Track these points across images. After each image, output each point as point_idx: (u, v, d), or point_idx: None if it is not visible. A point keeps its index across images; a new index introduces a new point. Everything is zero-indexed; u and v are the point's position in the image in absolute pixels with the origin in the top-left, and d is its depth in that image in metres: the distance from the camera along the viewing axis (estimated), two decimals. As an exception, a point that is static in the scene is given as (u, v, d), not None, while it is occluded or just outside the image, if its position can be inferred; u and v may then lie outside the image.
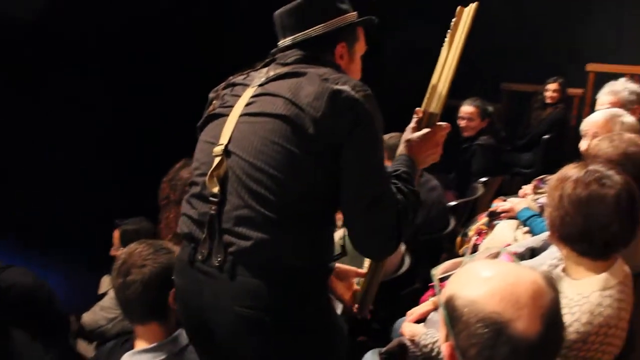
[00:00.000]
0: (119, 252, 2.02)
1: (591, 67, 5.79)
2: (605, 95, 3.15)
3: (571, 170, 1.58)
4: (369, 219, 1.43)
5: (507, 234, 2.80)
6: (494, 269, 1.02)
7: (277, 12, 1.61)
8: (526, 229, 2.79)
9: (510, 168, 5.29)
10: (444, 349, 1.04)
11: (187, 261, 1.52)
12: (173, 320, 1.78)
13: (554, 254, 1.84)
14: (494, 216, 3.03)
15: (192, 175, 1.60)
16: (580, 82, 5.84)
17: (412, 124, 1.67)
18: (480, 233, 2.96)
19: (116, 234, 2.92)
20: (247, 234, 1.41)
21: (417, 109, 1.69)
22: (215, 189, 1.46)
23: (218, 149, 1.49)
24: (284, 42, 1.61)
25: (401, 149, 1.64)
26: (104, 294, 2.82)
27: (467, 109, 4.41)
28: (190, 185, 1.61)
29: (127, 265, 1.73)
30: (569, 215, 1.52)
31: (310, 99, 1.41)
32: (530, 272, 1.01)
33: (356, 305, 1.80)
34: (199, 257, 1.48)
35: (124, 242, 2.83)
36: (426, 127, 1.65)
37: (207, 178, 1.48)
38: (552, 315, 0.97)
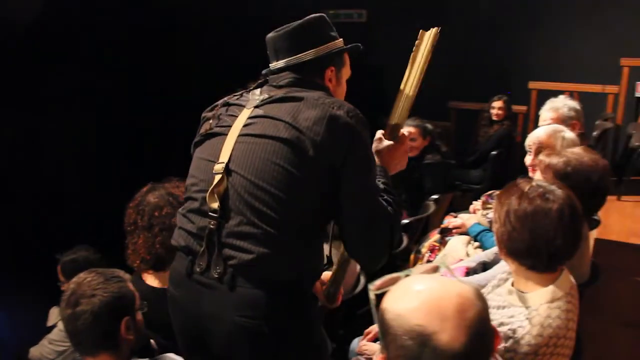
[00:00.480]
0: (65, 285, 1.96)
1: (533, 84, 6.01)
2: (547, 112, 3.27)
3: (516, 187, 1.62)
4: (368, 234, 1.55)
5: (459, 249, 2.85)
6: (425, 283, 1.06)
7: (271, 35, 1.70)
8: (477, 244, 2.84)
9: (460, 185, 5.40)
10: (379, 358, 1.06)
11: (185, 273, 1.58)
12: (125, 350, 1.73)
13: (504, 268, 1.88)
14: (446, 232, 3.09)
15: (188, 191, 1.65)
16: (524, 99, 6.05)
17: (378, 136, 1.80)
18: (433, 250, 3.01)
19: (59, 268, 2.84)
20: (248, 248, 1.48)
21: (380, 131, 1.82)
22: (215, 205, 1.52)
23: (219, 167, 1.55)
24: (276, 64, 1.70)
25: (375, 160, 1.73)
26: (52, 327, 2.72)
27: (408, 130, 4.44)
28: (186, 200, 1.67)
29: (76, 295, 1.68)
30: (515, 231, 1.56)
31: (310, 124, 1.50)
32: (459, 285, 1.05)
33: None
34: (197, 269, 1.54)
35: (65, 275, 2.77)
36: (391, 137, 1.79)
37: (207, 194, 1.54)
38: (477, 327, 0.99)
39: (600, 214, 4.25)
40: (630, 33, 5.85)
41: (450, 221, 3.11)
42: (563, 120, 3.16)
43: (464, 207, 3.47)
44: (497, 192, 2.64)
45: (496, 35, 6.27)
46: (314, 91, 1.61)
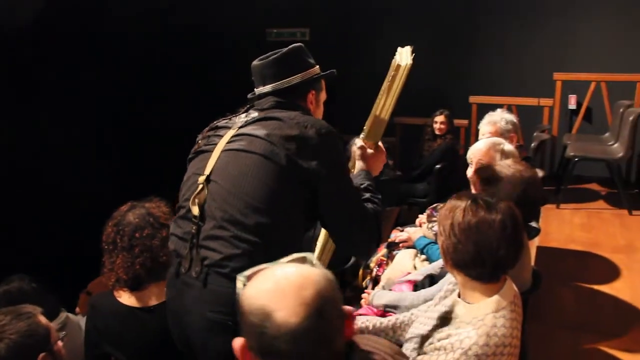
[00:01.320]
0: None
1: (473, 99, 6.20)
2: (485, 126, 3.37)
3: (459, 200, 1.66)
4: (355, 235, 1.78)
5: (406, 263, 2.88)
6: (278, 269, 1.13)
7: (256, 63, 1.89)
8: (424, 257, 2.88)
9: (406, 198, 5.47)
10: (239, 340, 1.11)
11: (174, 273, 1.74)
12: None
13: (450, 280, 1.91)
14: (393, 247, 3.12)
15: (179, 201, 1.82)
16: (465, 113, 6.22)
17: (360, 144, 2.09)
18: (380, 264, 3.02)
19: None
20: (218, 249, 1.63)
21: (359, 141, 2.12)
22: (196, 211, 1.69)
23: (201, 179, 1.73)
24: (262, 89, 1.88)
25: (360, 165, 2.05)
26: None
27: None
28: (178, 209, 1.83)
29: None
30: (460, 243, 1.59)
31: (283, 141, 1.67)
32: (306, 269, 1.12)
33: None
34: (182, 270, 1.69)
35: None
36: (371, 147, 2.08)
37: (190, 202, 1.71)
38: (316, 306, 1.04)
39: (541, 223, 4.37)
40: (562, 50, 6.13)
41: (397, 235, 3.15)
42: (501, 134, 3.26)
43: (410, 221, 3.52)
44: (442, 205, 2.70)
45: (437, 53, 6.44)
46: (292, 111, 1.78)
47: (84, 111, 4.35)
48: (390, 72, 2.05)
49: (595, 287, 3.57)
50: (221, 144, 1.78)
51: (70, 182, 4.08)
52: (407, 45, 2.08)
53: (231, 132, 1.79)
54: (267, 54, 1.87)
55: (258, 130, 1.72)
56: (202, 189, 1.71)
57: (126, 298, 2.07)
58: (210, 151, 1.79)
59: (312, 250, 2.04)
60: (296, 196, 1.68)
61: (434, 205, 3.23)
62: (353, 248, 1.92)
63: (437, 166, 5.46)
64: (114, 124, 4.73)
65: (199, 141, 1.88)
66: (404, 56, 2.07)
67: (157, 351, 1.97)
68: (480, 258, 1.56)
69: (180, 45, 5.41)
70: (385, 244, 3.12)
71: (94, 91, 4.45)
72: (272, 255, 1.53)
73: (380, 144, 2.10)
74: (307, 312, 1.03)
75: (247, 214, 1.62)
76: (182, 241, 1.73)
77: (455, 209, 1.63)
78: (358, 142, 2.10)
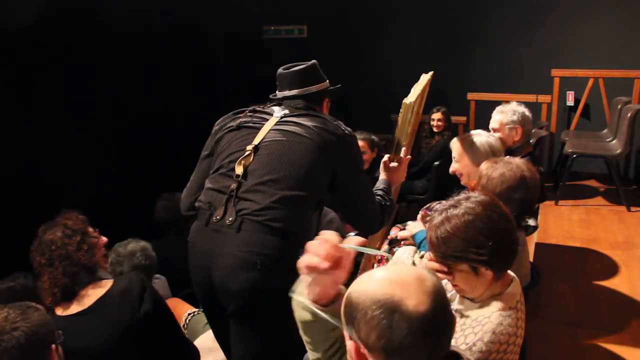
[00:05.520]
0: None
1: (471, 96, 6.20)
2: (495, 114, 3.51)
3: (430, 219, 1.66)
4: (362, 214, 2.20)
5: (405, 260, 2.87)
6: (384, 268, 1.12)
7: (286, 71, 2.21)
8: (422, 253, 2.87)
9: (405, 195, 5.46)
10: (350, 346, 1.07)
11: (203, 224, 2.00)
12: None
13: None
14: (394, 244, 3.11)
15: (219, 163, 2.10)
16: (463, 110, 6.22)
17: (386, 158, 2.51)
18: (380, 260, 3.02)
19: None
20: (257, 200, 1.92)
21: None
22: (240, 171, 2.00)
23: (249, 147, 2.04)
24: (288, 92, 2.20)
25: (382, 175, 2.47)
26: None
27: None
28: (215, 170, 2.10)
29: None
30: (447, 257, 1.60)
31: (326, 134, 2.04)
32: (413, 266, 1.18)
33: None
34: (214, 219, 1.96)
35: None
36: (395, 160, 2.50)
37: (236, 164, 2.01)
38: (438, 295, 1.04)
39: (540, 219, 4.39)
40: (559, 46, 6.13)
41: (397, 232, 3.13)
42: (506, 124, 3.41)
43: (409, 218, 3.51)
44: (434, 204, 2.73)
45: (435, 49, 6.44)
46: (323, 114, 2.16)
47: (84, 111, 4.34)
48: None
49: (594, 283, 3.58)
50: (269, 124, 2.10)
51: (70, 182, 4.08)
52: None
53: (275, 119, 2.11)
54: (289, 65, 2.23)
55: (305, 122, 2.05)
56: (249, 154, 2.02)
57: (61, 311, 2.08)
58: (256, 127, 2.11)
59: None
60: (325, 177, 2.04)
61: (427, 205, 3.23)
62: (356, 223, 2.32)
63: (436, 163, 5.44)
64: (113, 123, 4.72)
65: (241, 119, 2.16)
66: (417, 88, 2.55)
67: (114, 346, 1.98)
68: (472, 262, 1.56)
69: (178, 42, 5.40)
70: (387, 240, 3.11)
71: (94, 90, 4.45)
72: (298, 217, 1.95)
73: (402, 155, 2.51)
74: (434, 301, 1.02)
75: (287, 179, 1.94)
76: (219, 193, 2.00)
77: (432, 221, 1.64)
78: (385, 156, 2.51)
